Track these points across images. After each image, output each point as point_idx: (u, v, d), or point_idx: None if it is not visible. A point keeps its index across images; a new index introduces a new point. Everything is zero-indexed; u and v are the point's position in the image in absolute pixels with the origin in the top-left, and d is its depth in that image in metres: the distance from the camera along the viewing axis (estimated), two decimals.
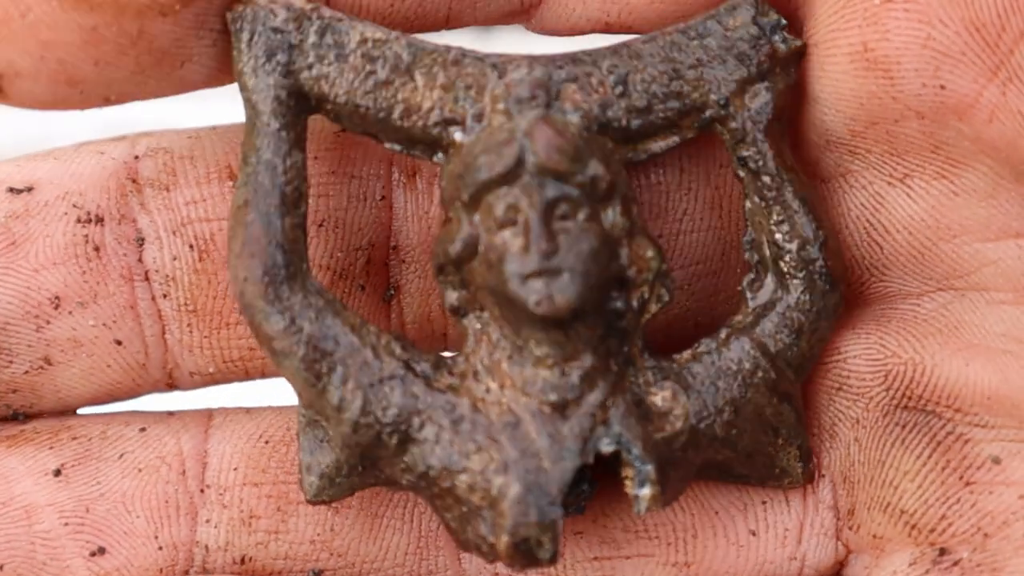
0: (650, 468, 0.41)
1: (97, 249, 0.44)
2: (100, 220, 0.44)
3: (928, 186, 0.42)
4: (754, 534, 0.45)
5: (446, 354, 0.43)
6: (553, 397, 0.41)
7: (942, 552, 0.43)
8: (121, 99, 0.41)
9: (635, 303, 0.42)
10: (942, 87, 0.40)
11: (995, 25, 0.39)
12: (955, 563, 0.43)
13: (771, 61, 0.42)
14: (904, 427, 0.43)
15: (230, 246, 0.41)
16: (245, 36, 0.41)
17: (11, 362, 0.44)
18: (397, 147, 0.42)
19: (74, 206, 0.44)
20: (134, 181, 0.44)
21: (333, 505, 0.44)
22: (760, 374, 0.42)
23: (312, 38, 0.41)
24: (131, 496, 0.44)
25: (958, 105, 0.40)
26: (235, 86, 0.42)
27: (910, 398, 0.43)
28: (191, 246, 0.44)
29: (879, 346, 0.44)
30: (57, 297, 0.44)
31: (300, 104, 0.42)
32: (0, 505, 0.44)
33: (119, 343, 0.44)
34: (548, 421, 0.41)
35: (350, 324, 0.41)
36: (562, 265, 0.40)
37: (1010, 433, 0.42)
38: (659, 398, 0.42)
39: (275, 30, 0.41)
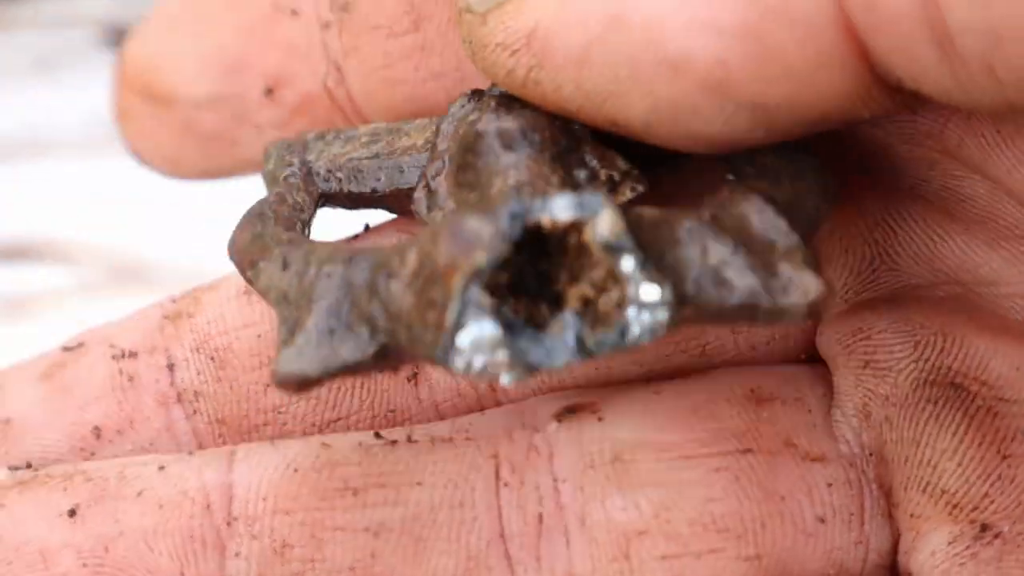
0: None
1: (131, 379, 0.46)
2: (134, 354, 0.46)
3: (934, 196, 0.43)
4: (822, 520, 0.43)
5: None
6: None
7: (983, 528, 0.41)
8: (209, 174, 0.49)
9: (603, 177, 0.40)
10: (914, 112, 0.41)
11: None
12: (996, 536, 0.41)
13: None
14: (936, 403, 0.42)
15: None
16: (270, 165, 0.45)
17: None
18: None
19: (111, 346, 0.46)
20: (166, 317, 0.47)
21: (372, 528, 0.42)
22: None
23: (321, 144, 0.45)
24: (153, 533, 0.42)
25: (931, 131, 0.42)
26: None
27: (939, 370, 0.42)
28: (212, 359, 0.45)
29: (906, 319, 0.43)
30: (97, 428, 0.45)
31: (311, 189, 0.44)
32: (14, 550, 0.42)
33: (159, 466, 0.45)
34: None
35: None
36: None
37: None
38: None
39: (294, 146, 0.45)
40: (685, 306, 0.34)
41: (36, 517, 0.42)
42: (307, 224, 0.43)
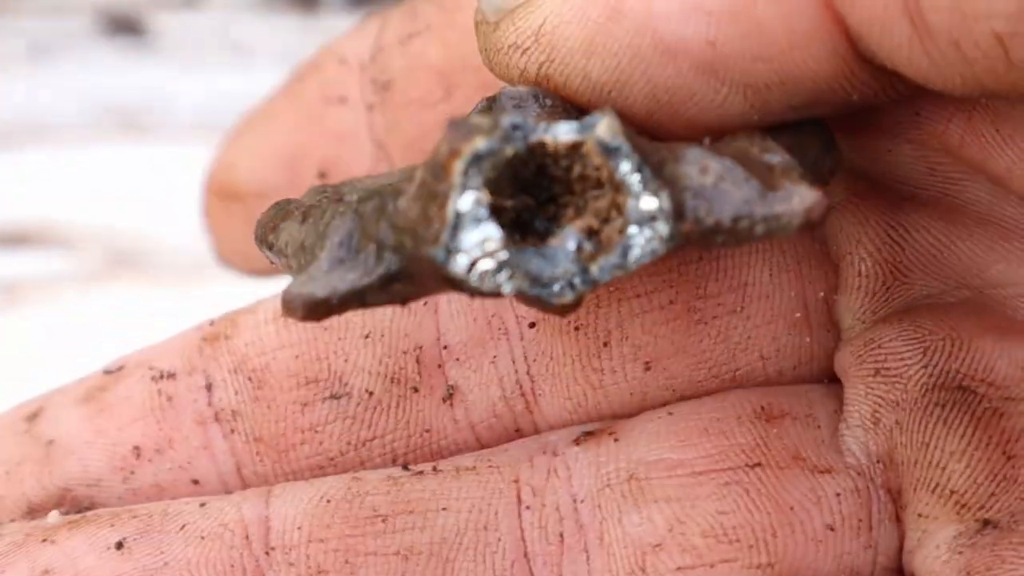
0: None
1: (170, 399, 0.47)
2: (172, 375, 0.47)
3: (935, 203, 0.44)
4: (831, 528, 0.44)
5: None
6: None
7: (986, 524, 0.43)
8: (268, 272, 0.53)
9: None
10: (917, 114, 0.43)
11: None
12: (995, 526, 0.43)
13: None
14: (944, 407, 0.44)
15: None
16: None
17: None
18: None
19: (150, 367, 0.47)
20: (205, 339, 0.48)
21: (402, 552, 0.44)
22: None
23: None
24: (196, 564, 0.44)
25: (934, 131, 0.43)
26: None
27: (948, 374, 0.44)
28: (250, 379, 0.47)
29: (914, 327, 0.44)
30: (137, 447, 0.46)
31: None
32: None
33: (196, 482, 0.46)
34: None
35: None
36: None
37: None
38: None
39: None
40: (683, 220, 0.34)
41: (85, 551, 0.44)
42: None
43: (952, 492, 0.43)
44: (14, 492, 0.47)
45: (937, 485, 0.44)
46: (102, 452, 0.46)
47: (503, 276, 0.33)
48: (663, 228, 0.34)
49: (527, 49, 0.40)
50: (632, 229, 0.34)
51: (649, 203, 0.34)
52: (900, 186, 0.44)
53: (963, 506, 0.43)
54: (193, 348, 0.47)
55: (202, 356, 0.47)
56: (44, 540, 0.45)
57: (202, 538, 0.44)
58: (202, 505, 0.45)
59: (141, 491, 0.46)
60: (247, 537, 0.44)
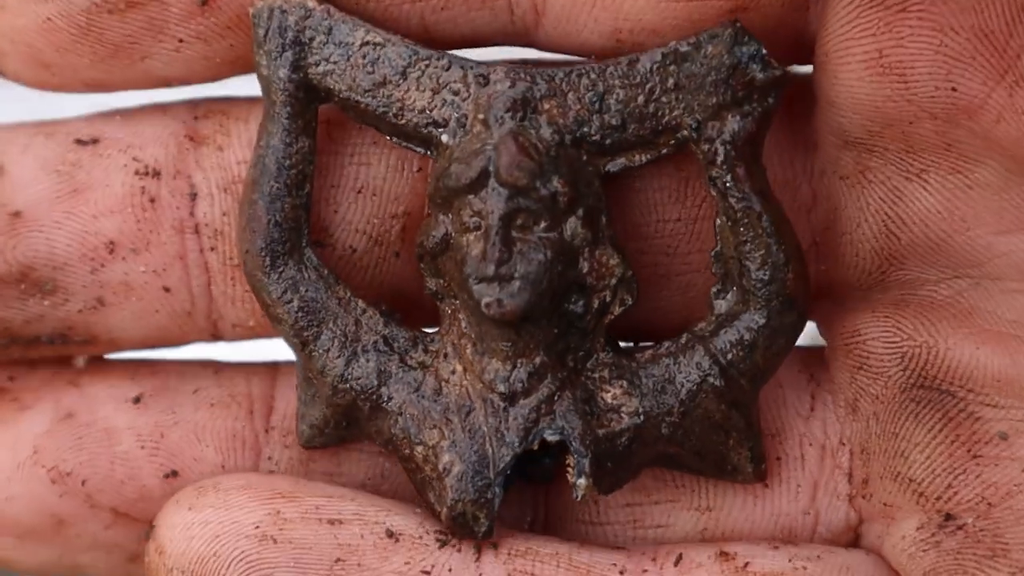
0: (586, 462, 0.44)
1: (152, 200, 0.46)
2: (157, 173, 0.46)
3: (943, 180, 0.44)
4: (767, 487, 0.46)
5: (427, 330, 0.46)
6: (502, 388, 0.44)
7: (948, 517, 0.45)
8: (97, 86, 0.46)
9: (596, 305, 0.44)
10: (953, 89, 0.42)
11: (1003, 32, 0.41)
12: (959, 527, 0.44)
13: (747, 89, 0.43)
14: (919, 403, 0.45)
15: (239, 219, 0.45)
16: (261, 32, 0.45)
17: (67, 300, 0.47)
18: (395, 140, 0.45)
19: (134, 159, 0.46)
20: (191, 139, 0.46)
21: (385, 452, 0.47)
22: (711, 381, 0.44)
23: (320, 37, 0.45)
24: (203, 427, 0.47)
25: (968, 106, 0.42)
26: None
27: (925, 377, 0.45)
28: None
29: (896, 329, 0.45)
30: (112, 242, 0.46)
31: (310, 95, 0.45)
32: (84, 426, 0.47)
33: (167, 290, 0.47)
34: (496, 409, 0.44)
35: (338, 297, 0.45)
36: (514, 273, 0.43)
37: (1018, 413, 0.44)
38: (610, 395, 0.45)
39: (287, 28, 0.44)
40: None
41: (105, 399, 0.47)
42: (312, 166, 0.44)
43: (911, 480, 0.45)
44: None
45: (899, 474, 0.45)
46: (72, 237, 0.46)
47: None
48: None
49: None
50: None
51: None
52: (912, 160, 0.44)
53: (922, 495, 0.45)
54: (178, 144, 0.46)
55: (188, 159, 0.46)
56: (69, 382, 0.48)
57: (212, 405, 0.47)
58: (216, 371, 0.48)
59: (108, 286, 0.46)
60: (251, 412, 0.47)
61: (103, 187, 0.46)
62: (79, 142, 0.46)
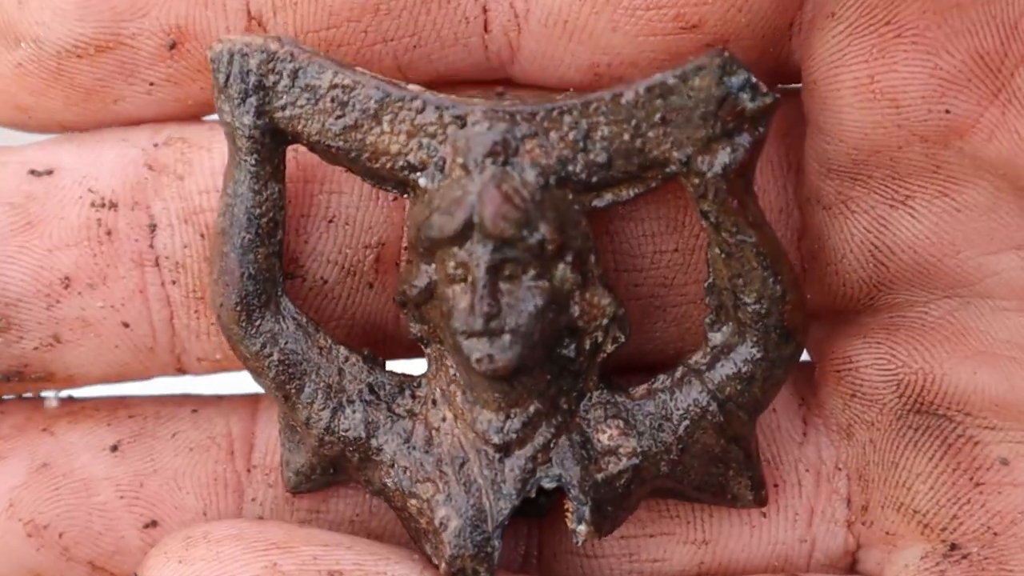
0: (586, 509, 0.43)
1: (109, 233, 0.45)
2: (114, 205, 0.45)
3: (930, 205, 0.43)
4: (765, 515, 0.46)
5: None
6: (496, 440, 0.43)
7: (953, 547, 0.44)
8: (73, 127, 0.45)
9: (588, 346, 0.43)
10: (947, 111, 0.41)
11: (998, 52, 0.40)
12: (964, 557, 0.44)
13: (737, 119, 0.41)
14: (916, 430, 0.44)
15: (209, 271, 0.43)
16: (221, 77, 0.42)
17: (22, 337, 0.45)
18: (369, 181, 0.43)
19: (90, 190, 0.45)
20: (151, 168, 0.45)
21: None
22: (709, 418, 0.43)
23: (285, 80, 0.42)
24: (182, 473, 0.46)
25: (960, 126, 0.41)
26: None
27: (922, 403, 0.44)
28: (202, 235, 0.45)
29: (890, 356, 0.44)
30: (68, 277, 0.45)
31: (276, 139, 0.43)
32: (61, 477, 0.46)
33: (126, 325, 0.45)
34: (491, 461, 0.43)
35: (319, 346, 0.44)
36: (504, 326, 0.42)
37: (1018, 435, 0.44)
38: (606, 436, 0.43)
39: (249, 72, 0.42)
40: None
41: (82, 448, 0.46)
42: (283, 211, 0.43)
43: (915, 512, 0.44)
44: None
45: (902, 504, 0.45)
46: (26, 272, 0.45)
47: None
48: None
49: None
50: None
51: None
52: (898, 187, 0.43)
53: (926, 526, 0.44)
54: (136, 174, 0.44)
55: (147, 189, 0.44)
56: (44, 429, 0.46)
57: (191, 449, 0.46)
58: (194, 411, 0.46)
59: (64, 322, 0.45)
60: (232, 453, 0.46)
61: (58, 220, 0.44)
62: (33, 172, 0.45)
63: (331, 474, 0.45)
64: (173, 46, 0.43)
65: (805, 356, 0.46)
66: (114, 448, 0.46)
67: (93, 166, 0.45)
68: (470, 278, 0.41)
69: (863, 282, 0.44)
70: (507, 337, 0.41)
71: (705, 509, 0.46)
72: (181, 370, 0.46)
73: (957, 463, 0.44)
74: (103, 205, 0.44)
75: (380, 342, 0.45)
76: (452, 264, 0.41)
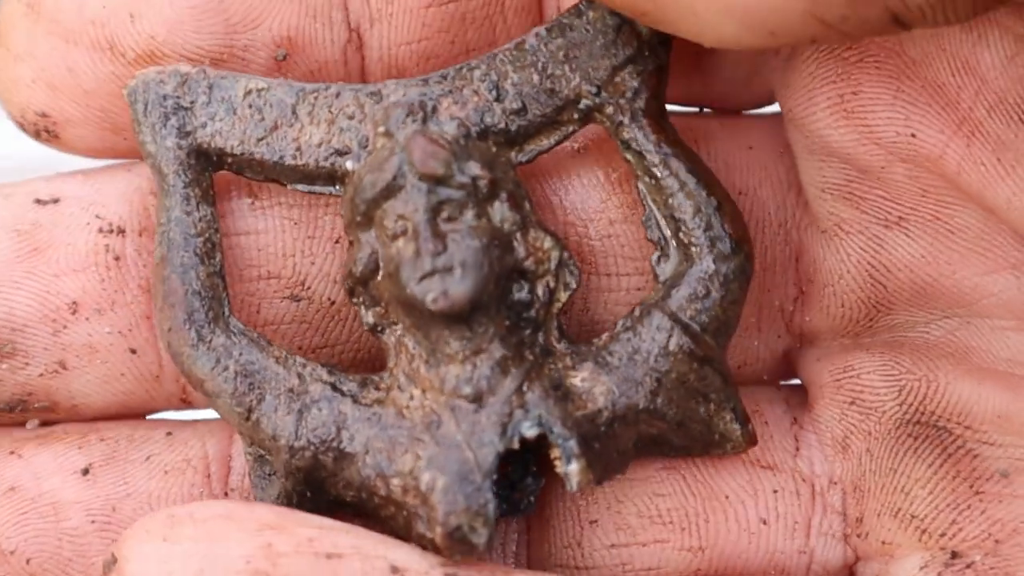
0: (572, 443, 0.42)
1: (117, 259, 0.45)
2: (122, 231, 0.45)
3: (924, 227, 0.45)
4: (764, 522, 0.46)
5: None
6: (467, 390, 0.43)
7: (954, 555, 0.44)
8: None
9: (541, 292, 0.44)
10: (913, 136, 0.43)
11: (953, 85, 0.42)
12: (968, 566, 0.44)
13: (637, 45, 0.44)
14: (916, 439, 0.45)
15: (154, 301, 0.44)
16: (140, 107, 0.44)
17: (27, 364, 0.45)
18: (300, 187, 0.45)
19: (97, 216, 0.45)
20: (156, 195, 0.45)
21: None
22: (676, 342, 0.44)
23: (201, 98, 0.44)
24: (157, 497, 0.45)
25: (929, 154, 0.43)
26: None
27: (923, 413, 0.45)
28: None
29: (894, 363, 0.46)
30: (75, 303, 0.45)
31: (202, 162, 0.44)
32: (29, 501, 0.45)
33: (134, 352, 0.45)
34: (466, 413, 0.43)
35: (275, 356, 0.44)
36: (453, 262, 0.42)
37: (1018, 452, 0.44)
38: (579, 379, 0.44)
39: (166, 97, 0.44)
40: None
41: (52, 471, 0.45)
42: (218, 234, 0.44)
43: (913, 517, 0.44)
44: None
45: (900, 510, 0.45)
46: (32, 297, 0.45)
47: None
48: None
49: None
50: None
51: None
52: (891, 207, 0.44)
53: (924, 532, 0.44)
54: (142, 200, 0.45)
55: (154, 215, 0.45)
56: (12, 452, 0.45)
57: (165, 472, 0.45)
58: (168, 434, 0.46)
59: (71, 348, 0.45)
60: (208, 476, 0.45)
61: (65, 246, 0.45)
62: (39, 202, 0.45)
63: (308, 499, 0.44)
64: (284, 58, 0.45)
65: (796, 380, 0.48)
66: (85, 471, 0.45)
67: (99, 194, 0.45)
68: (411, 227, 0.42)
69: (862, 303, 0.46)
70: (457, 271, 0.42)
71: (700, 514, 0.46)
72: (186, 401, 0.46)
73: (957, 471, 0.44)
74: (111, 231, 0.45)
75: (383, 362, 0.45)
76: (391, 220, 0.43)
